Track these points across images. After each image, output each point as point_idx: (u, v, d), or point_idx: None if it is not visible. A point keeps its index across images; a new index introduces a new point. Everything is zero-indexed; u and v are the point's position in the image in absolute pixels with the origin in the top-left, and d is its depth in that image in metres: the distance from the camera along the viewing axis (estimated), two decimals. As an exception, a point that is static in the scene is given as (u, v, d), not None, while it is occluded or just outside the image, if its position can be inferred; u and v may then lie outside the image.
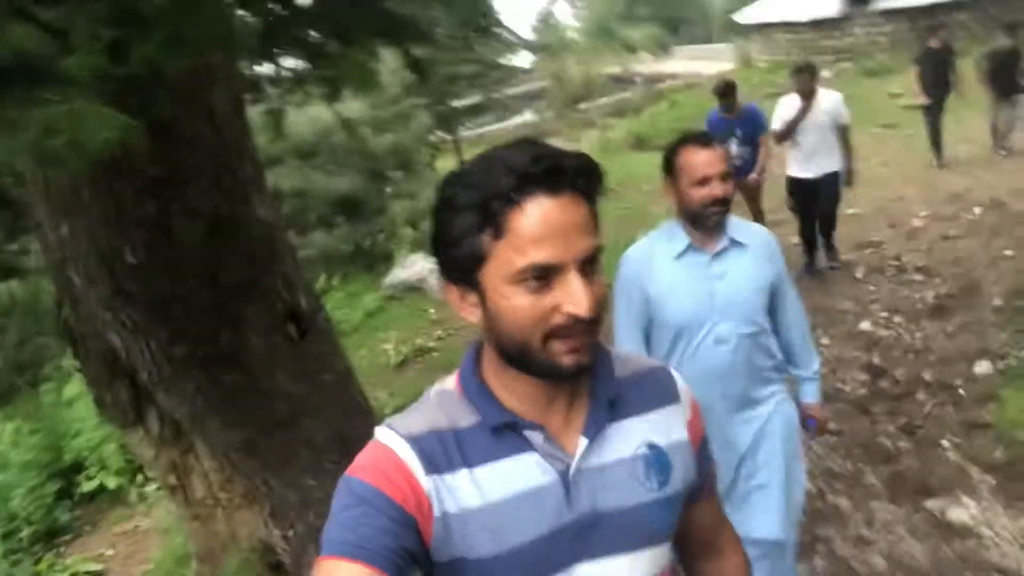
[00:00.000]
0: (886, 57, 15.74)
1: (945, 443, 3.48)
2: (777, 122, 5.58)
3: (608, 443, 0.99)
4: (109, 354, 3.04)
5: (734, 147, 5.83)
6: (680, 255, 2.10)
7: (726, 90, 5.87)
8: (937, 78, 7.98)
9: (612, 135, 17.29)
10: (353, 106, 8.68)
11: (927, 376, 4.11)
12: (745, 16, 21.84)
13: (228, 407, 2.94)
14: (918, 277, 5.53)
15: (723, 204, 2.02)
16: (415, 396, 3.79)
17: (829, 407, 2.19)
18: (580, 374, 0.91)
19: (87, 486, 5.32)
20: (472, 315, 0.93)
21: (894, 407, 3.88)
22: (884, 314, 4.96)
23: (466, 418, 0.96)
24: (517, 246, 0.84)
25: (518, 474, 0.93)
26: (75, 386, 5.63)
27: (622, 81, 24.92)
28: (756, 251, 2.13)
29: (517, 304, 0.86)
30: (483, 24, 3.72)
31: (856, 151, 5.70)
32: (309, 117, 8.74)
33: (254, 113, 3.96)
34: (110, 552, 4.61)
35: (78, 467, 5.47)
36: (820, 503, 3.21)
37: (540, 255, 0.84)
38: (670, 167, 2.09)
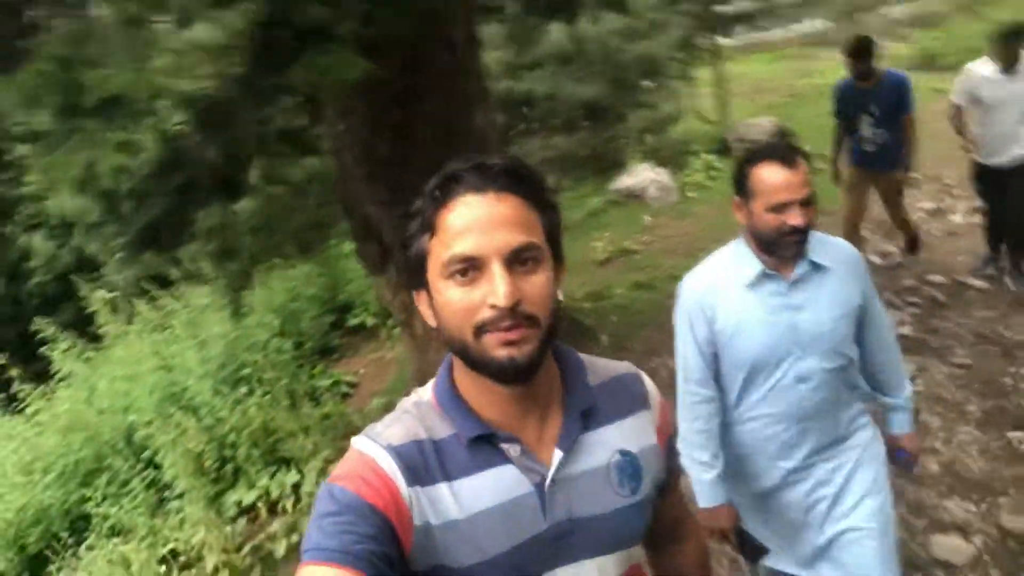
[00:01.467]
0: None
1: (1070, 395, 3.51)
2: (960, 95, 4.53)
3: (582, 452, 1.01)
4: (365, 219, 4.13)
5: (867, 127, 4.71)
6: (752, 284, 1.85)
7: (860, 50, 4.56)
8: None
9: (899, 51, 15.84)
10: (608, 15, 9.17)
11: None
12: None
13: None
14: None
15: (802, 234, 1.76)
16: (605, 288, 4.67)
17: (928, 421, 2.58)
18: (520, 371, 0.91)
19: (352, 321, 6.84)
20: (430, 319, 0.98)
21: (1044, 357, 3.88)
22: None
23: (443, 429, 0.98)
24: (444, 240, 0.91)
25: (496, 486, 0.96)
26: (351, 243, 7.11)
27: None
28: (840, 273, 1.87)
29: (448, 298, 0.91)
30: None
31: None
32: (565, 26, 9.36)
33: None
34: (362, 371, 6.04)
35: (348, 306, 7.01)
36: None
37: (461, 246, 0.89)
38: (742, 186, 1.83)
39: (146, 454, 4.60)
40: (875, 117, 4.64)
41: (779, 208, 1.74)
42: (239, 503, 4.34)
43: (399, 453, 0.94)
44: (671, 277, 5.92)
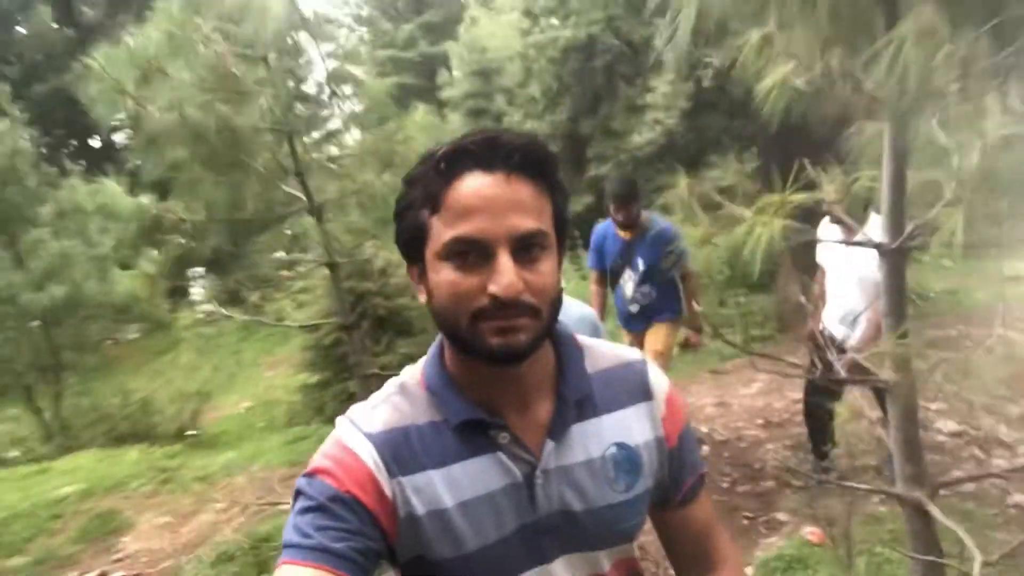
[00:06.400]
0: None
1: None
2: (824, 257, 3.78)
3: (576, 443, 0.97)
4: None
5: (629, 285, 4.03)
6: None
7: (624, 193, 3.76)
8: None
9: None
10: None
11: None
12: None
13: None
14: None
15: None
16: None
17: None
18: (513, 359, 0.87)
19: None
20: (422, 295, 0.92)
21: None
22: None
23: (429, 415, 0.95)
24: (447, 219, 0.83)
25: (482, 475, 0.92)
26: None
27: None
28: None
29: (445, 280, 0.85)
30: None
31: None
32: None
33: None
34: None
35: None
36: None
37: (465, 228, 0.82)
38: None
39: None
40: (641, 274, 4.02)
41: None
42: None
43: (382, 441, 0.92)
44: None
